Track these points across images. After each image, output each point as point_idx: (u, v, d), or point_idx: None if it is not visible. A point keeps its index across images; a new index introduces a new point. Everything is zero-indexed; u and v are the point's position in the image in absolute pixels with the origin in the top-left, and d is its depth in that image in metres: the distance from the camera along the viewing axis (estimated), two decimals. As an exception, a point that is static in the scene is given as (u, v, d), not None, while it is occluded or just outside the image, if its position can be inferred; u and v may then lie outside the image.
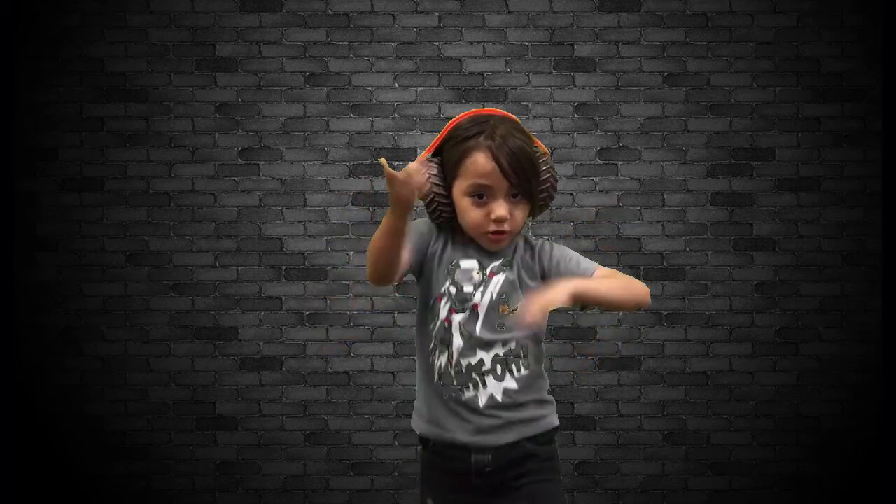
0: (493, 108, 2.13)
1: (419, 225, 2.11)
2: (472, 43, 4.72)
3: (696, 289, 4.68)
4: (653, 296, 4.63)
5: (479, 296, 2.06)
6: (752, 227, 4.70)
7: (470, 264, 2.08)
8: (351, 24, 4.72)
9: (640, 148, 4.70)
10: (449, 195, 2.06)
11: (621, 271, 2.13)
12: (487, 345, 2.05)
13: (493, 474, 2.05)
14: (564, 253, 2.11)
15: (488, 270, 2.07)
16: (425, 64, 4.72)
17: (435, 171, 2.06)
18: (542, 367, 2.13)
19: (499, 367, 2.06)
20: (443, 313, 2.08)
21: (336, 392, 4.69)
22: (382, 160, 1.87)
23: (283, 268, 4.71)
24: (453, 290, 2.07)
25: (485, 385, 2.05)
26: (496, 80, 4.71)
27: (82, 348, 4.68)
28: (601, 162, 4.70)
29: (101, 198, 4.69)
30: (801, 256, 4.71)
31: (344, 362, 4.70)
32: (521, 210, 2.06)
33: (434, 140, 2.10)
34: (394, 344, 4.70)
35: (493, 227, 2.04)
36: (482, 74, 4.71)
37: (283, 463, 4.68)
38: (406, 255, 2.03)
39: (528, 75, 4.71)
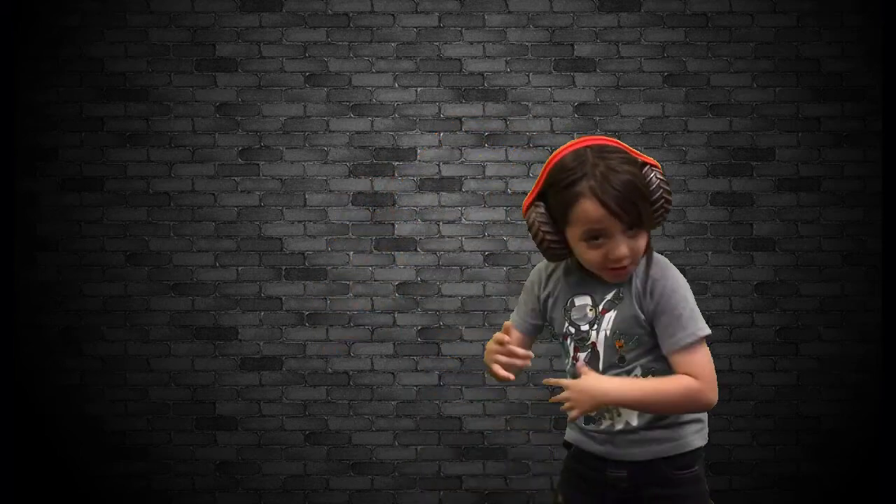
0: (591, 138, 2.03)
1: (525, 286, 2.17)
2: (472, 43, 4.72)
3: (695, 289, 4.67)
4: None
5: (595, 334, 2.06)
6: (752, 227, 4.71)
7: (583, 301, 2.08)
8: (351, 24, 4.72)
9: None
10: (562, 237, 2.02)
11: None
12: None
13: (627, 491, 2.06)
14: (671, 303, 2.05)
15: (600, 307, 2.06)
16: (425, 64, 4.72)
17: (543, 219, 2.01)
18: None
19: None
20: (570, 351, 2.10)
21: (336, 392, 4.69)
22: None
23: (283, 268, 4.71)
24: (572, 329, 2.09)
25: (619, 414, 2.05)
26: (496, 80, 4.71)
27: (82, 348, 4.68)
28: (601, 162, 4.69)
29: (101, 198, 4.69)
30: (801, 256, 4.71)
31: (344, 362, 4.70)
32: (640, 239, 1.99)
33: (536, 182, 2.05)
34: (394, 344, 4.70)
35: (613, 266, 1.99)
36: (482, 74, 4.71)
37: (283, 463, 4.68)
38: (527, 321, 2.16)
39: (528, 75, 4.71)
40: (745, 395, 4.68)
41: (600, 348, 2.05)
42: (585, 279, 2.07)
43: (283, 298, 4.70)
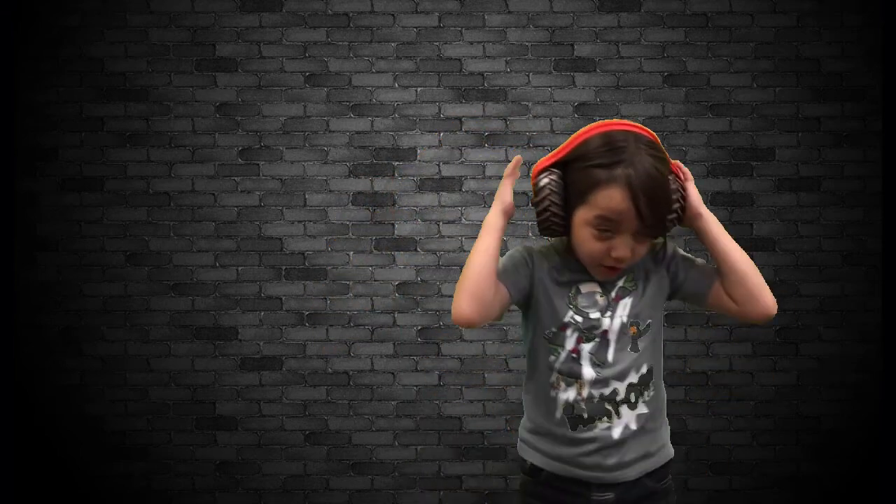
0: (628, 123, 1.91)
1: (515, 255, 1.97)
2: (472, 43, 4.72)
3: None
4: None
5: (609, 321, 1.93)
6: (752, 227, 4.71)
7: (591, 287, 1.94)
8: (351, 24, 4.72)
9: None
10: (566, 214, 1.91)
11: None
12: (622, 372, 1.93)
13: None
14: (691, 263, 2.00)
15: (613, 294, 1.94)
16: (425, 64, 4.72)
17: (555, 187, 1.90)
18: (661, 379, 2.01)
19: (632, 395, 1.94)
20: (569, 343, 1.93)
21: (336, 392, 4.69)
22: (518, 158, 1.88)
23: (283, 268, 4.71)
24: (579, 318, 1.93)
25: (619, 415, 1.93)
26: (496, 80, 4.71)
27: (82, 348, 4.68)
28: (601, 162, 4.70)
29: (101, 198, 4.69)
30: (801, 256, 4.71)
31: (344, 362, 4.70)
32: (644, 246, 1.90)
33: (559, 149, 1.93)
34: (394, 344, 4.70)
35: (610, 263, 1.89)
36: (482, 74, 4.71)
37: (283, 463, 4.68)
38: (507, 289, 1.92)
39: (528, 75, 4.71)
40: (745, 395, 4.68)
41: (612, 337, 1.92)
42: (584, 268, 1.96)
43: (283, 298, 4.70)
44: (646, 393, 1.94)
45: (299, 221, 4.72)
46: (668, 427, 2.02)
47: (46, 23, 4.67)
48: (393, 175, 4.71)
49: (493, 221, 1.94)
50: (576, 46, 4.71)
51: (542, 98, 4.70)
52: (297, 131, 4.71)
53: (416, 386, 4.70)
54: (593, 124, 1.92)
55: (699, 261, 2.01)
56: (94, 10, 4.68)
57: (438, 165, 4.71)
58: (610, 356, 1.92)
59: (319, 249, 4.71)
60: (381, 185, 4.71)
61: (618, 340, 1.92)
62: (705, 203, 4.70)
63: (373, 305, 4.71)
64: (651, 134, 1.90)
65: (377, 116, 4.72)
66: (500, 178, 4.70)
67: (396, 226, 4.71)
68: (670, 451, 2.01)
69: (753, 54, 4.71)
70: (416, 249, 4.71)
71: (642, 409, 1.94)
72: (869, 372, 4.68)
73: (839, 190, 4.70)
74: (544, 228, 1.93)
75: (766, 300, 1.90)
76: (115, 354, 4.68)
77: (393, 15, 4.72)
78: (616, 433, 1.93)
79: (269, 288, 4.70)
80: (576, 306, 1.93)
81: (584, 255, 1.90)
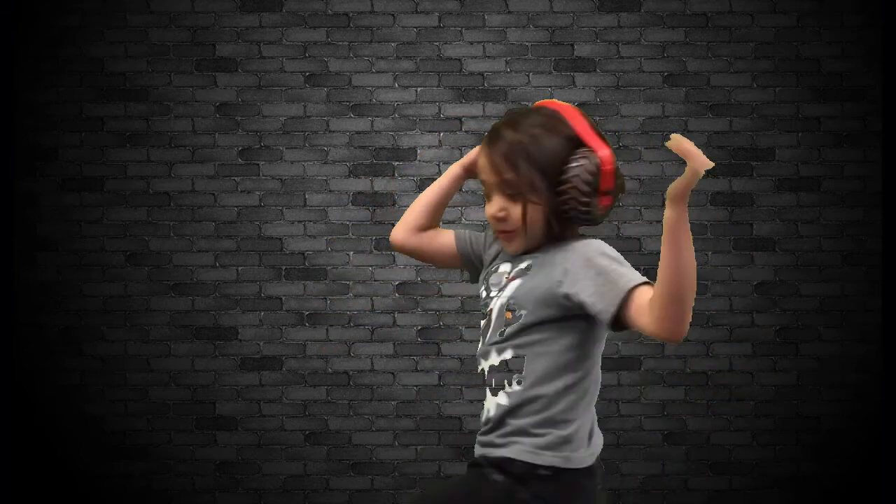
0: (556, 103, 2.04)
1: (481, 233, 2.11)
2: (472, 43, 4.72)
3: (696, 289, 4.68)
4: (653, 296, 4.65)
5: (495, 300, 1.91)
6: (752, 227, 4.71)
7: (504, 268, 1.96)
8: (351, 24, 4.72)
9: (640, 148, 4.70)
10: None
11: None
12: (486, 352, 1.90)
13: None
14: (596, 265, 1.80)
15: (510, 274, 1.92)
16: (425, 64, 4.72)
17: None
18: (558, 392, 1.84)
19: (493, 380, 1.88)
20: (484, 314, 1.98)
21: (336, 392, 4.69)
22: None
23: (283, 268, 4.71)
24: (484, 293, 1.98)
25: (488, 394, 1.90)
26: (496, 80, 4.71)
27: (82, 348, 4.68)
28: (601, 162, 4.70)
29: (101, 198, 4.69)
30: (801, 256, 4.71)
31: (344, 362, 4.70)
32: (520, 207, 1.85)
33: None
34: (394, 344, 4.70)
35: (494, 226, 1.92)
36: (482, 74, 4.71)
37: (283, 463, 4.68)
38: (454, 240, 2.09)
39: (528, 75, 4.71)
40: (745, 395, 4.68)
41: (493, 315, 1.90)
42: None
43: (283, 298, 4.70)
44: (507, 384, 1.85)
45: (299, 221, 4.72)
46: (568, 447, 1.85)
47: (46, 23, 4.67)
48: (393, 175, 4.71)
49: (450, 168, 2.14)
50: (576, 46, 4.71)
51: (542, 98, 4.69)
52: (297, 131, 4.71)
53: (416, 386, 4.70)
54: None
55: (603, 279, 1.80)
56: (94, 10, 4.68)
57: (438, 165, 4.71)
58: (488, 334, 1.91)
59: (319, 249, 4.71)
60: (381, 185, 4.71)
61: (495, 320, 1.89)
62: (704, 203, 4.70)
63: (373, 305, 4.71)
64: (569, 112, 1.98)
65: (377, 116, 4.72)
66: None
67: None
68: (538, 458, 1.82)
69: (753, 54, 4.71)
70: (416, 249, 4.70)
71: (502, 399, 1.85)
72: (869, 372, 4.68)
73: (839, 190, 4.70)
74: None
75: (686, 327, 1.78)
76: (115, 354, 4.68)
77: (393, 15, 4.72)
78: (490, 411, 1.88)
79: (269, 288, 4.70)
80: (487, 283, 1.98)
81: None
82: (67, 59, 4.68)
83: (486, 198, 1.92)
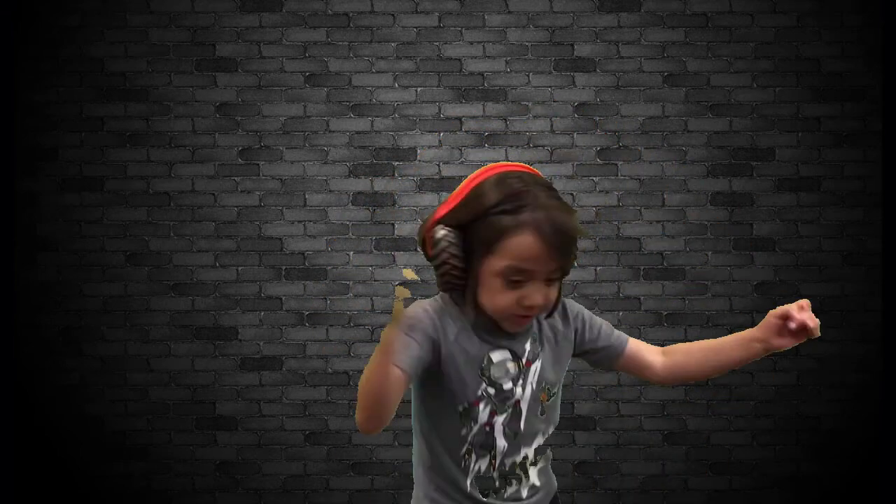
0: (515, 165, 1.82)
1: (420, 322, 1.79)
2: (472, 43, 4.72)
3: (696, 289, 4.69)
4: (653, 296, 4.65)
5: (521, 390, 1.83)
6: (752, 227, 4.71)
7: (502, 356, 1.82)
8: (351, 24, 4.72)
9: (640, 148, 4.70)
10: (466, 269, 1.78)
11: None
12: (531, 438, 1.87)
13: None
14: (596, 321, 1.98)
15: (524, 360, 1.83)
16: (425, 64, 4.72)
17: (453, 239, 1.77)
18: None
19: (538, 456, 1.90)
20: (483, 417, 1.82)
21: (336, 392, 4.69)
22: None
23: (283, 268, 4.71)
24: (492, 390, 1.81)
25: (528, 477, 1.88)
26: (496, 80, 4.71)
27: (82, 348, 4.68)
28: (601, 162, 4.70)
29: (101, 198, 4.69)
30: (801, 256, 4.71)
31: (344, 362, 4.70)
32: (555, 290, 1.79)
33: (451, 198, 1.81)
34: (394, 344, 4.70)
35: (522, 312, 1.77)
36: (482, 74, 4.71)
37: (283, 463, 4.68)
38: (407, 377, 1.76)
39: (528, 75, 4.71)
40: (745, 395, 4.68)
41: (524, 405, 1.83)
42: (493, 329, 1.82)
43: (283, 298, 4.70)
44: (545, 455, 1.91)
45: (299, 221, 4.72)
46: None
47: (46, 23, 4.67)
48: (393, 175, 4.71)
49: (393, 343, 1.69)
50: (576, 46, 4.71)
51: (542, 98, 4.70)
52: (297, 131, 4.71)
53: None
54: (482, 169, 1.81)
55: (597, 318, 2.00)
56: (94, 10, 4.68)
57: (438, 165, 4.71)
58: (522, 425, 1.84)
59: (319, 249, 4.71)
60: (381, 185, 4.71)
61: (529, 408, 1.84)
62: (704, 203, 4.70)
63: (373, 305, 4.71)
64: (538, 173, 1.82)
65: (377, 116, 4.72)
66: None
67: (396, 226, 4.71)
68: (554, 484, 1.97)
69: (753, 54, 4.71)
70: (416, 249, 4.71)
71: (542, 462, 1.91)
72: (869, 372, 4.68)
73: (839, 190, 4.70)
74: (445, 283, 1.81)
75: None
76: (115, 354, 4.68)
77: (393, 15, 4.72)
78: (524, 492, 1.88)
79: (269, 288, 4.70)
80: (489, 378, 1.81)
81: (493, 307, 1.77)
82: (67, 59, 4.68)
83: (513, 284, 1.74)
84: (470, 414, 1.82)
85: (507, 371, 1.81)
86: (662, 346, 2.11)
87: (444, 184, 4.70)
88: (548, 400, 1.87)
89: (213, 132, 4.70)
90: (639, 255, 4.66)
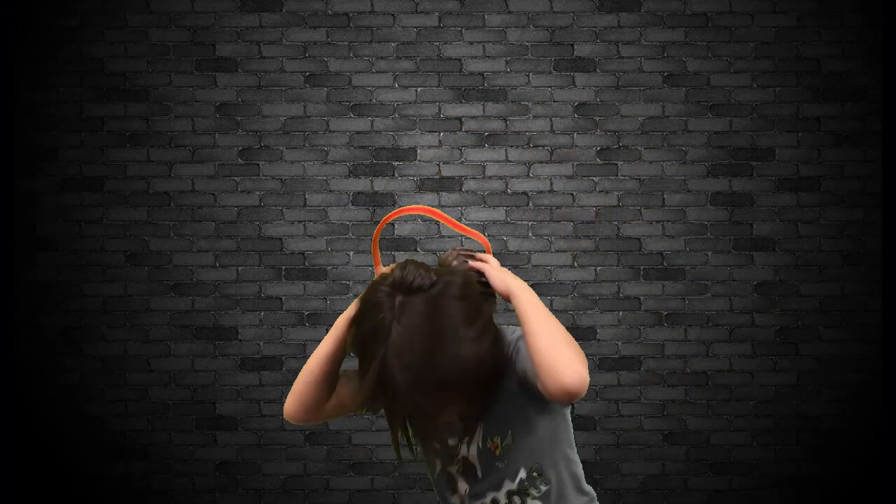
0: (417, 209, 1.82)
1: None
2: (472, 43, 4.72)
3: (696, 289, 4.69)
4: (653, 296, 4.65)
5: (465, 447, 1.78)
6: (752, 227, 4.71)
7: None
8: (351, 24, 4.72)
9: (640, 148, 4.70)
10: None
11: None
12: (496, 485, 1.80)
13: None
14: (516, 341, 1.78)
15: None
16: (425, 64, 4.72)
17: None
18: (572, 456, 1.84)
19: (516, 498, 1.80)
20: (438, 465, 1.83)
21: (336, 392, 4.69)
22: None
23: (283, 268, 4.71)
24: (437, 444, 1.79)
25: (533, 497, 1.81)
26: (496, 80, 4.71)
27: (82, 348, 4.68)
28: (601, 162, 4.70)
29: (101, 198, 4.69)
30: (801, 256, 4.71)
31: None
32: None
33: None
34: (394, 344, 4.69)
35: None
36: (482, 74, 4.71)
37: (283, 463, 4.68)
38: (347, 391, 1.76)
39: (528, 75, 4.71)
40: (745, 395, 4.68)
41: (474, 460, 1.79)
42: None
43: (283, 298, 4.70)
44: (534, 490, 1.80)
45: (299, 221, 4.72)
46: (588, 496, 1.87)
47: (46, 23, 4.67)
48: (393, 175, 4.71)
49: (340, 325, 1.79)
50: (576, 46, 4.71)
51: (542, 98, 4.70)
52: (297, 131, 4.71)
53: None
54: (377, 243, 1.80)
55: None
56: (94, 10, 4.68)
57: (438, 165, 4.71)
58: (479, 473, 1.79)
59: (319, 249, 4.71)
60: (381, 185, 4.71)
61: (481, 461, 1.78)
62: (704, 203, 4.70)
63: (373, 305, 4.70)
64: (444, 220, 1.80)
65: (377, 116, 4.72)
66: (500, 177, 4.70)
67: (396, 226, 4.71)
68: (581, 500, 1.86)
69: (753, 54, 4.71)
70: (416, 249, 4.71)
71: (534, 500, 1.81)
72: (869, 372, 4.68)
73: (839, 190, 4.70)
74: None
75: (560, 376, 1.61)
76: (115, 354, 4.68)
77: (393, 15, 4.72)
78: None
79: (269, 288, 4.70)
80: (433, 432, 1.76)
81: None
82: (67, 59, 4.68)
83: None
84: (428, 459, 1.82)
85: (453, 429, 1.75)
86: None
87: (444, 184, 4.70)
88: (500, 447, 1.78)
89: (213, 132, 4.70)
90: (639, 255, 4.66)
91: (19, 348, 4.65)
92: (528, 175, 4.70)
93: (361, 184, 4.72)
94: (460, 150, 4.70)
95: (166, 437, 4.68)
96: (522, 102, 4.69)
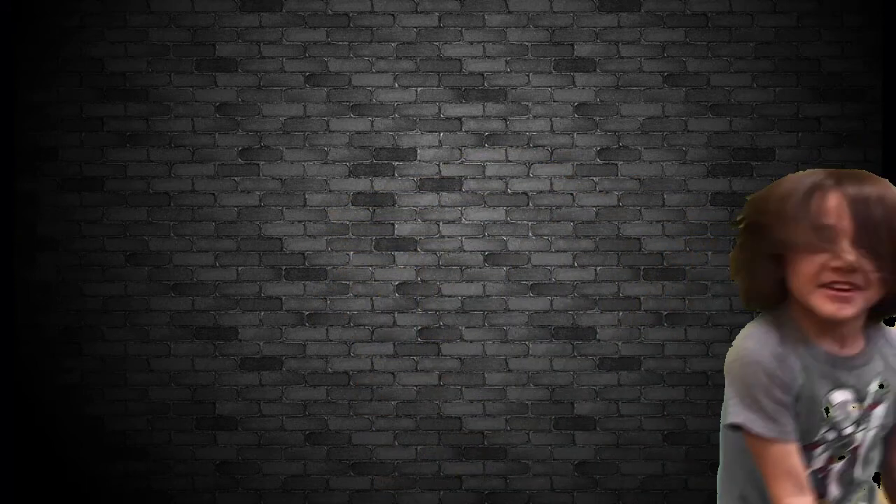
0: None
1: (771, 374, 1.60)
2: (472, 43, 4.72)
3: (696, 289, 4.69)
4: (653, 296, 4.65)
5: (861, 436, 1.67)
6: (752, 227, 4.70)
7: (843, 396, 1.64)
8: (351, 24, 4.72)
9: (640, 148, 4.70)
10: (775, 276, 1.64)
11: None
12: (861, 485, 1.73)
13: None
14: None
15: (867, 403, 1.65)
16: (425, 64, 4.72)
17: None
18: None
19: (865, 497, 1.76)
20: (818, 462, 1.66)
21: (336, 392, 4.69)
22: None
23: (283, 268, 4.71)
24: (831, 435, 1.65)
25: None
26: (496, 80, 4.71)
27: (82, 348, 4.68)
28: (601, 162, 4.70)
29: (101, 198, 4.69)
30: (801, 256, 4.70)
31: (344, 362, 4.70)
32: (870, 271, 1.55)
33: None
34: (394, 344, 4.70)
35: (831, 277, 1.55)
36: (482, 74, 4.71)
37: (283, 463, 4.68)
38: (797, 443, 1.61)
39: (528, 75, 4.71)
40: (745, 395, 4.68)
41: (862, 451, 1.68)
42: (835, 360, 1.64)
43: (283, 298, 4.70)
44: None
45: (299, 221, 4.72)
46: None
47: (46, 23, 4.67)
48: (393, 175, 4.71)
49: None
50: (576, 46, 4.71)
51: (542, 98, 4.70)
52: (297, 131, 4.71)
53: (416, 386, 4.70)
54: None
55: None
56: (94, 10, 4.68)
57: (438, 165, 4.71)
58: (858, 472, 1.70)
59: (319, 249, 4.71)
60: (381, 185, 4.71)
61: (866, 455, 1.70)
62: (704, 203, 4.70)
63: (373, 305, 4.71)
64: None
65: (377, 116, 4.72)
66: (501, 177, 4.71)
67: (396, 226, 4.71)
68: None
69: (753, 54, 4.71)
70: (416, 249, 4.71)
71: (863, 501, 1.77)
72: (869, 372, 4.68)
73: (839, 190, 4.70)
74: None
75: None
76: (115, 354, 4.68)
77: (393, 15, 4.72)
78: None
79: (269, 288, 4.70)
80: (830, 421, 1.63)
81: (800, 288, 1.61)
82: (67, 59, 4.68)
83: (817, 243, 1.57)
84: (805, 459, 1.64)
85: (849, 414, 1.64)
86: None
87: (444, 184, 4.70)
88: (877, 448, 1.72)
89: (213, 132, 4.70)
90: (639, 255, 4.66)
91: (19, 348, 4.65)
92: (528, 175, 4.70)
93: (361, 184, 4.71)
94: (460, 150, 4.70)
95: (166, 437, 4.68)
96: (522, 102, 4.69)
